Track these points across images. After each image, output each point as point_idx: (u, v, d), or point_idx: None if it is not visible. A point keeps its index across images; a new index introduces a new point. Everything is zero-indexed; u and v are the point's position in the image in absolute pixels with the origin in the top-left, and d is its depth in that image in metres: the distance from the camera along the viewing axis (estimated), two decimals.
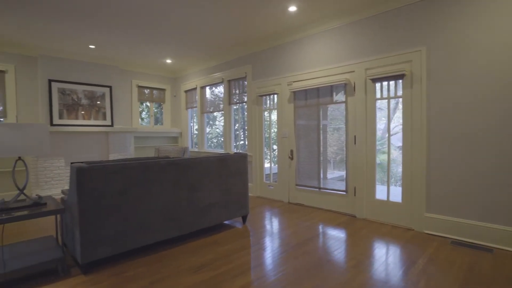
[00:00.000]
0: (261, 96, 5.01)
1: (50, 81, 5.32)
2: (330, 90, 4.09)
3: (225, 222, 3.66)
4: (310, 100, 4.33)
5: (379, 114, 3.67)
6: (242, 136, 5.96)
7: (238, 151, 5.96)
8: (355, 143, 3.83)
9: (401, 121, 3.53)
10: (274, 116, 5.05)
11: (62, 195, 4.09)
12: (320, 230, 3.35)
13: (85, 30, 4.33)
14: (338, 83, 3.88)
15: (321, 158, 4.27)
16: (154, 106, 7.24)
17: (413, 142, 3.28)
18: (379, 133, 3.69)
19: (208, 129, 6.88)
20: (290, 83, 4.57)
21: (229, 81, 5.77)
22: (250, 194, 5.31)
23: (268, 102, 5.08)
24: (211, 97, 6.45)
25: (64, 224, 2.65)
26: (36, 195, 2.52)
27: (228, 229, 3.40)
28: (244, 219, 3.62)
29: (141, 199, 2.60)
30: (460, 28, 2.93)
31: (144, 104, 7.13)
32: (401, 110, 3.66)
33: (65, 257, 2.32)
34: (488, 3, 2.76)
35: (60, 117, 5.43)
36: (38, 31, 4.35)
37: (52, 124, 5.30)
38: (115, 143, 6.00)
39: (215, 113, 6.84)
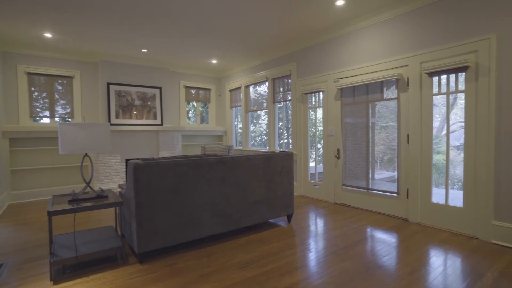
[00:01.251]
0: (306, 93, 4.92)
1: (108, 84, 5.80)
2: (380, 86, 3.87)
3: (270, 220, 3.67)
4: (358, 97, 4.14)
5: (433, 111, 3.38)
6: (285, 134, 5.92)
7: (282, 149, 5.93)
8: (408, 142, 3.58)
9: (458, 118, 3.22)
10: (319, 114, 4.93)
11: (120, 189, 4.44)
12: (369, 233, 3.19)
13: (139, 35, 4.63)
14: (390, 78, 3.66)
15: (370, 158, 4.07)
16: (200, 106, 7.52)
17: (477, 140, 2.96)
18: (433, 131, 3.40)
19: (251, 128, 6.96)
20: (337, 80, 4.41)
21: (273, 79, 5.76)
22: (294, 193, 5.26)
23: (313, 99, 4.97)
24: (255, 95, 6.51)
25: (122, 215, 2.87)
26: (100, 188, 2.76)
27: (273, 228, 3.40)
28: (289, 218, 3.60)
29: (191, 195, 2.71)
30: None
31: (190, 103, 7.44)
32: (458, 106, 3.34)
33: (123, 246, 2.51)
34: None
35: (117, 117, 5.90)
36: (99, 39, 4.76)
37: (110, 124, 5.78)
38: (164, 141, 6.36)
39: (258, 112, 6.89)
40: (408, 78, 3.53)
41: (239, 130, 7.24)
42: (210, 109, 7.59)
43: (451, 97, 3.32)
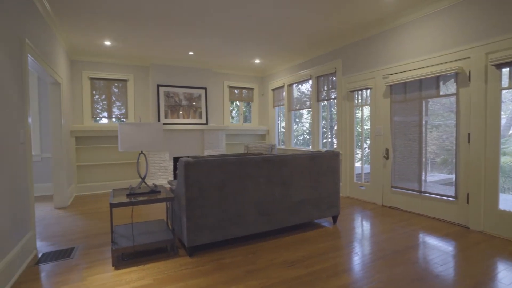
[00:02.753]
0: (352, 91, 4.74)
1: (158, 86, 6.17)
2: (435, 81, 3.59)
3: (315, 221, 3.61)
4: (410, 93, 3.88)
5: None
6: (329, 133, 5.78)
7: (326, 148, 5.80)
8: (468, 142, 3.27)
9: None
10: (365, 113, 4.72)
11: (169, 185, 4.70)
12: (422, 239, 2.98)
13: (186, 38, 4.85)
14: (447, 72, 3.37)
15: (423, 159, 3.79)
16: (243, 105, 7.65)
17: None
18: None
19: (294, 127, 6.91)
20: (386, 76, 4.18)
21: (317, 77, 5.65)
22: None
23: (359, 97, 4.78)
24: (298, 94, 6.44)
25: (173, 210, 3.03)
26: (153, 184, 2.95)
27: (318, 228, 3.34)
28: (334, 219, 3.50)
29: (237, 193, 2.78)
30: None
31: (234, 103, 7.61)
32: None
33: (174, 239, 2.65)
34: None
35: (165, 116, 6.25)
36: (151, 44, 5.08)
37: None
38: (209, 140, 6.59)
39: (301, 111, 6.81)
40: (469, 72, 3.22)
41: (282, 129, 7.23)
42: (253, 109, 7.69)
43: None
